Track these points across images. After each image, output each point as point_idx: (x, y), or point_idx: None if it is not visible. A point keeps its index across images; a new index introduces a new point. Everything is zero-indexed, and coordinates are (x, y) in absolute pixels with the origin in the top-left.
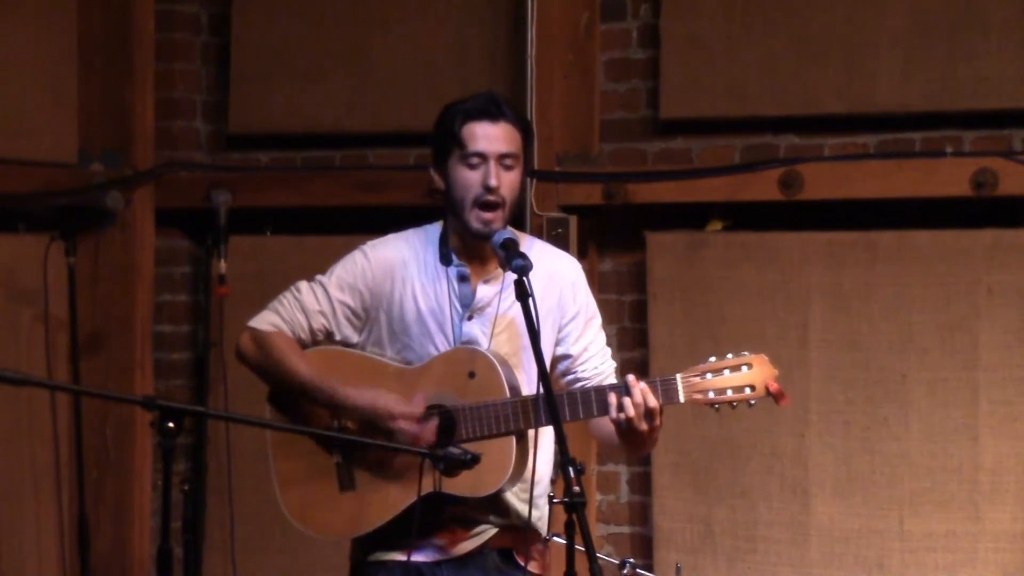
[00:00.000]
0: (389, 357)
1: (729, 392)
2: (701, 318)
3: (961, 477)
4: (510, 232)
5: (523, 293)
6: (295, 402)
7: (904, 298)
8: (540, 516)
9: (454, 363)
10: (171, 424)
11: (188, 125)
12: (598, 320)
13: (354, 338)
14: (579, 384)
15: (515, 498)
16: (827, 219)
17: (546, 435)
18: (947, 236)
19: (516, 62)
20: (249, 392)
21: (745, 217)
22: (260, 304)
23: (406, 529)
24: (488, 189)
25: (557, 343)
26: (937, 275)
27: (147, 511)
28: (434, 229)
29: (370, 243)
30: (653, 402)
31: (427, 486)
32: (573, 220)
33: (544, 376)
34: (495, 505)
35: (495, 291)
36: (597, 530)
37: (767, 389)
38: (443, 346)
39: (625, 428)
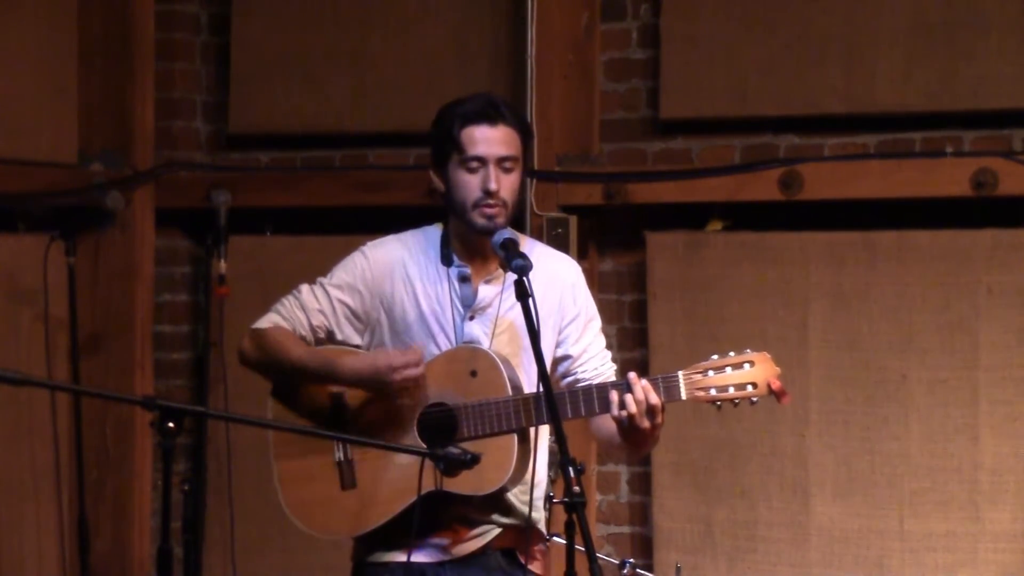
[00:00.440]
0: None
1: (731, 390)
2: (701, 318)
3: (961, 477)
4: (510, 232)
5: (523, 293)
6: (298, 393)
7: (904, 298)
8: (539, 519)
9: (456, 362)
10: (171, 424)
11: (188, 125)
12: (598, 322)
13: (356, 339)
14: (579, 385)
15: (515, 500)
16: (827, 219)
17: (543, 439)
18: (947, 236)
19: (516, 62)
20: (249, 392)
21: (745, 217)
22: (260, 304)
23: (408, 529)
24: (488, 193)
25: (557, 345)
26: (937, 275)
27: (147, 511)
28: (433, 230)
29: (369, 244)
30: (655, 399)
31: (428, 485)
32: (573, 220)
33: (544, 376)
34: (498, 504)
35: (496, 292)
36: (597, 530)
37: (769, 387)
38: (445, 346)
39: (627, 426)
